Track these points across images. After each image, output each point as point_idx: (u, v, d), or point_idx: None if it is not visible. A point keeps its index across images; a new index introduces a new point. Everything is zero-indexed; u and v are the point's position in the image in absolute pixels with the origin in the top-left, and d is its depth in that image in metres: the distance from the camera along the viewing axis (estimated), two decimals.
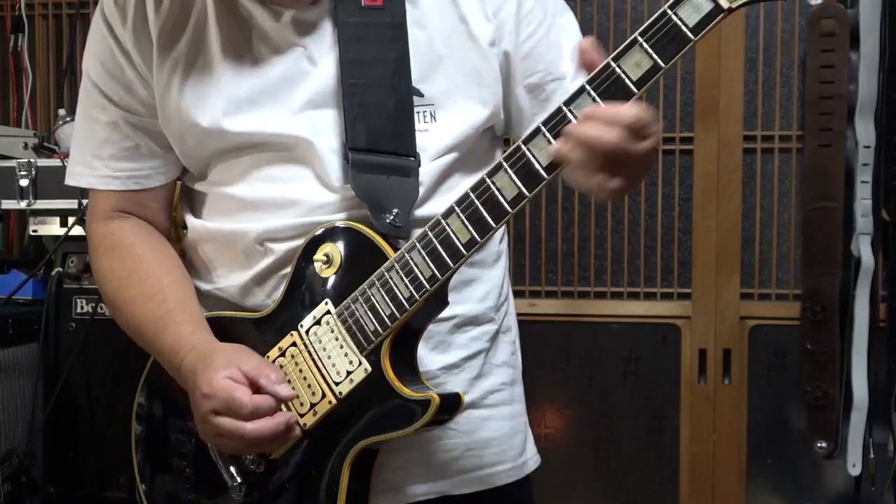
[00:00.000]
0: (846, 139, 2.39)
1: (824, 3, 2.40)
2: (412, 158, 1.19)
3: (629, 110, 0.98)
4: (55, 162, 2.40)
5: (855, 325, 2.37)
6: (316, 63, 1.20)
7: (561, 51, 1.27)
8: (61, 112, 2.72)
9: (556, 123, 1.01)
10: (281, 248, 1.21)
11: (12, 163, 2.42)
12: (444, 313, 1.19)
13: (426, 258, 1.09)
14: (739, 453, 2.56)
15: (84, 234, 2.29)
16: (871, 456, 2.37)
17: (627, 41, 0.99)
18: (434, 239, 1.09)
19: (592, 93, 0.99)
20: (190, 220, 1.32)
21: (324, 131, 1.19)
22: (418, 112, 1.21)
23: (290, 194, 1.20)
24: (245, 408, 1.10)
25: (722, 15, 0.96)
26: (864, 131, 2.36)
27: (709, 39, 2.71)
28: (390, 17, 1.20)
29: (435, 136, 1.21)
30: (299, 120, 1.19)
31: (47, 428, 2.34)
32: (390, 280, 1.12)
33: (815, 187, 2.43)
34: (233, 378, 1.12)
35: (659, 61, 0.97)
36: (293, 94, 1.20)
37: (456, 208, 1.08)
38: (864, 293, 2.36)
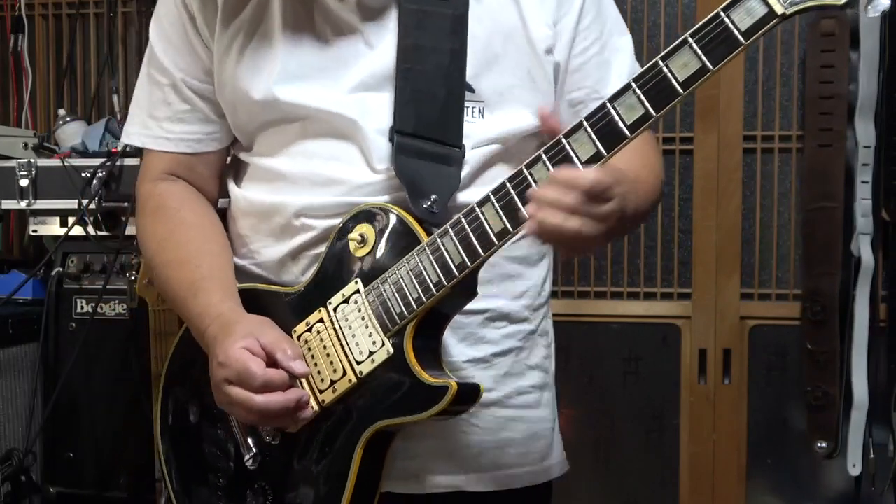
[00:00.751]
0: (846, 139, 2.39)
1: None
2: (457, 149, 1.20)
3: (586, 175, 1.01)
4: (55, 162, 2.40)
5: (855, 325, 2.37)
6: (373, 46, 1.21)
7: (610, 71, 1.28)
8: (61, 112, 2.72)
9: (599, 119, 1.02)
10: (319, 224, 1.22)
11: (12, 163, 2.42)
12: (477, 306, 1.19)
13: (457, 245, 1.09)
14: (739, 453, 2.56)
15: (84, 234, 2.31)
16: (871, 456, 2.37)
17: (678, 41, 0.99)
18: (467, 226, 1.09)
19: (638, 91, 1.00)
20: (233, 189, 1.33)
21: (372, 113, 1.20)
22: (467, 107, 1.21)
23: (331, 172, 1.21)
24: (256, 380, 1.11)
25: (776, 20, 0.96)
26: (864, 131, 2.36)
27: None
28: (453, 8, 1.21)
29: (480, 128, 1.22)
30: (349, 100, 1.20)
31: (47, 428, 2.35)
32: (420, 264, 1.12)
33: (815, 187, 2.42)
34: (249, 349, 1.12)
35: (707, 63, 0.97)
36: (346, 74, 1.21)
37: (492, 197, 1.07)
38: (864, 293, 2.36)
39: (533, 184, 1.04)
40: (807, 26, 2.43)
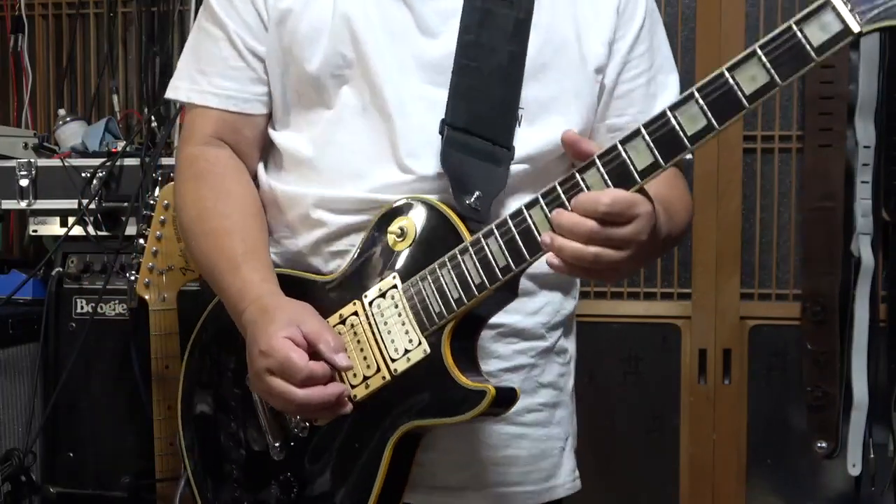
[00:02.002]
0: (846, 139, 2.39)
1: None
2: (506, 150, 1.18)
3: (604, 197, 0.99)
4: (55, 162, 2.40)
5: (855, 325, 2.37)
6: (436, 37, 1.20)
7: (654, 105, 1.27)
8: (61, 112, 2.72)
9: (658, 128, 0.99)
10: (335, 220, 1.21)
11: (12, 163, 2.42)
12: (490, 320, 1.17)
13: (503, 247, 1.07)
14: (739, 453, 2.56)
15: (84, 234, 2.31)
16: (871, 456, 2.37)
17: (746, 52, 0.96)
18: (514, 228, 1.06)
19: (700, 101, 0.97)
20: (262, 176, 1.30)
21: (420, 105, 1.18)
22: None
23: (359, 165, 1.20)
24: (300, 373, 1.08)
25: (850, 38, 0.92)
26: (864, 131, 2.36)
27: (708, 38, 2.71)
28: (517, 11, 1.19)
29: (517, 141, 1.20)
30: (404, 82, 1.19)
31: (47, 428, 2.34)
32: (462, 264, 1.10)
33: (815, 187, 2.42)
34: (292, 339, 1.10)
35: (776, 77, 0.94)
36: (400, 59, 1.19)
37: (541, 200, 1.05)
38: (864, 293, 2.36)
39: (585, 189, 1.02)
40: None
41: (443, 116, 1.17)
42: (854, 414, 2.36)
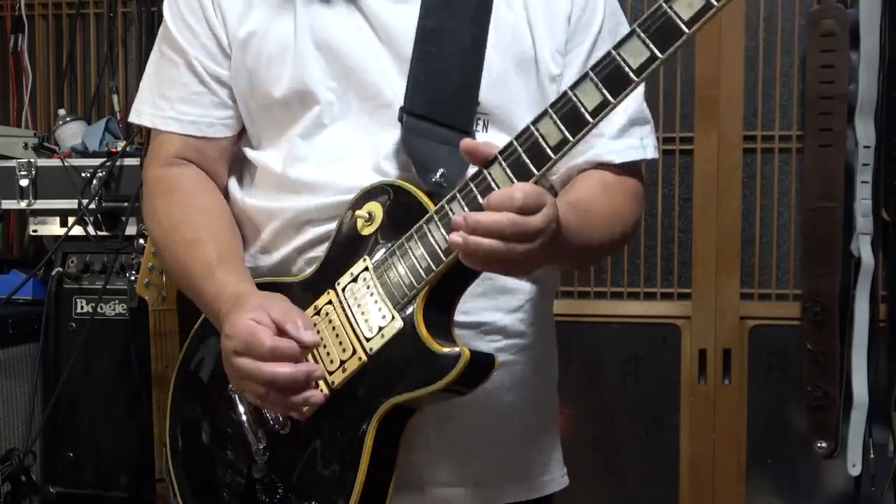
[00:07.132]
0: (846, 139, 2.39)
1: (824, 4, 2.40)
2: (468, 135, 1.18)
3: (516, 192, 1.00)
4: (55, 162, 2.40)
5: (855, 325, 2.37)
6: (394, 27, 1.19)
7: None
8: (61, 112, 2.73)
9: (605, 67, 1.02)
10: (312, 230, 1.21)
11: (12, 163, 2.43)
12: (471, 319, 1.17)
13: (465, 209, 1.07)
14: (739, 453, 2.56)
15: (84, 234, 2.31)
16: (871, 456, 2.37)
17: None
18: (475, 188, 1.06)
19: (641, 34, 0.99)
20: (235, 192, 1.31)
21: (388, 96, 1.18)
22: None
23: (335, 173, 1.19)
24: (263, 346, 1.08)
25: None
26: (864, 131, 2.36)
27: (708, 38, 2.71)
28: None
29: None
30: (393, 94, 1.18)
31: (47, 428, 2.35)
32: (428, 232, 1.10)
33: (815, 187, 2.42)
34: (257, 320, 1.10)
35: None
36: (380, 64, 1.19)
37: (499, 157, 1.06)
38: (864, 293, 2.36)
39: (540, 139, 1.03)
40: (806, 26, 2.43)
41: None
42: (854, 414, 2.36)
